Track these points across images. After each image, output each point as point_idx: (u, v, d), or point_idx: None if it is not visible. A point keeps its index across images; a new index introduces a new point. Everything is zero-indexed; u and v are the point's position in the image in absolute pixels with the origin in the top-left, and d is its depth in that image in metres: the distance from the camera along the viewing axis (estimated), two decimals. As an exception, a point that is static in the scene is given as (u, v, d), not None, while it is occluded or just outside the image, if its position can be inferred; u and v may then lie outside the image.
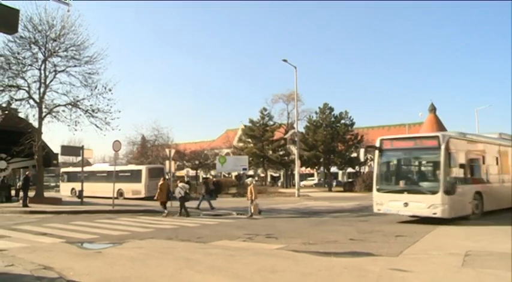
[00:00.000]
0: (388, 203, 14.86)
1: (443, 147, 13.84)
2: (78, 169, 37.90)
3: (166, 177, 24.75)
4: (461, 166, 14.72)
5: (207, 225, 15.54)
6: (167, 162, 25.93)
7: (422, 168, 16.01)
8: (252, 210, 18.28)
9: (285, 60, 32.65)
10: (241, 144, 61.70)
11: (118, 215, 19.21)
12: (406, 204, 14.26)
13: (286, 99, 52.12)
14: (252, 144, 58.27)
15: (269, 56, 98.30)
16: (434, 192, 13.79)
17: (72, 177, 38.37)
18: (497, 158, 17.54)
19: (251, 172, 58.79)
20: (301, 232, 12.45)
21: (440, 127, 46.18)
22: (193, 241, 11.26)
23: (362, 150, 17.33)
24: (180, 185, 19.51)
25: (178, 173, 49.64)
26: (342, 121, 51.04)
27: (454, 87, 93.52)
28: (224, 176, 61.19)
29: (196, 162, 57.03)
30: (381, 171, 15.91)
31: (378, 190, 15.46)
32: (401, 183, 15.18)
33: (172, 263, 8.37)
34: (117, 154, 25.97)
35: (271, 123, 57.97)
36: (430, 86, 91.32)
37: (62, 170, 40.35)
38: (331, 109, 52.51)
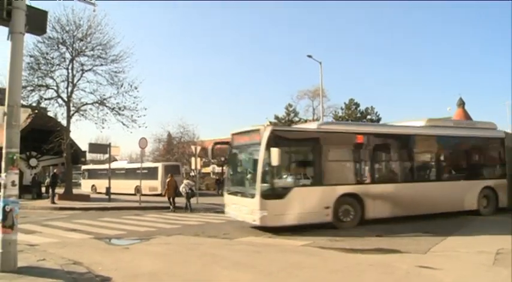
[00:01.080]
0: (231, 205, 13.24)
1: (263, 142, 11.57)
2: (98, 166, 38.53)
3: (192, 174, 25.03)
4: (304, 164, 12.84)
5: (232, 221, 15.57)
6: (193, 159, 26.11)
7: (253, 167, 12.56)
8: None
9: (309, 56, 32.31)
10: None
11: (145, 211, 19.46)
12: (239, 209, 12.55)
13: (312, 95, 51.54)
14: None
15: (294, 51, 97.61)
16: (253, 196, 11.66)
17: (92, 174, 39.18)
18: (407, 152, 14.61)
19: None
20: (328, 228, 12.36)
21: (469, 122, 45.15)
22: (220, 237, 11.32)
23: (209, 147, 14.87)
24: (185, 182, 20.16)
25: (204, 170, 49.86)
26: (368, 117, 50.48)
27: (484, 81, 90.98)
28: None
29: (222, 158, 57.19)
30: (229, 170, 14.44)
31: (227, 191, 13.89)
32: (239, 184, 13.42)
33: (199, 259, 8.44)
34: (144, 151, 26.29)
35: (297, 119, 57.55)
36: (459, 79, 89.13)
37: (83, 167, 41.14)
38: (357, 105, 51.92)
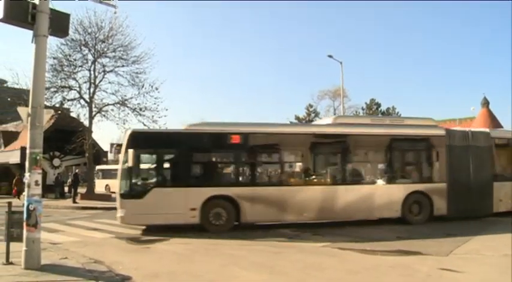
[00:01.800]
0: None
1: (124, 144, 11.93)
2: (111, 167, 38.97)
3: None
4: (169, 165, 12.91)
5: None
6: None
7: None
8: None
9: (330, 56, 32.11)
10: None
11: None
12: None
13: (332, 95, 51.21)
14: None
15: (314, 51, 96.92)
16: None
17: (106, 174, 39.54)
18: (297, 152, 13.74)
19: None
20: (349, 229, 12.27)
21: (494, 122, 44.10)
22: (239, 238, 11.32)
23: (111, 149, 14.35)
24: None
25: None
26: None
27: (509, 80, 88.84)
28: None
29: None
30: None
31: None
32: None
33: (218, 259, 8.48)
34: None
35: (318, 119, 57.28)
36: (483, 78, 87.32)
37: (97, 167, 41.64)
38: (378, 105, 51.59)
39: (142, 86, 25.41)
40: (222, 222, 12.16)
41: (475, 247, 9.59)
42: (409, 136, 14.16)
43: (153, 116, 25.39)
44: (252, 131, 13.12)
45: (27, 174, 7.14)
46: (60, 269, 7.13)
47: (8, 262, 7.29)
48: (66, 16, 8.02)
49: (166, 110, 25.67)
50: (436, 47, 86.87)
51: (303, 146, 13.36)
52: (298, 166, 13.87)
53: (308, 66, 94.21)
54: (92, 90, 25.10)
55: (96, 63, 25.22)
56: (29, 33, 7.38)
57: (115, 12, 15.27)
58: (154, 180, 12.45)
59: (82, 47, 24.90)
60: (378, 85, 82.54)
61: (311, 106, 56.18)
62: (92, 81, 25.11)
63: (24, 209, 7.05)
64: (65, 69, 24.63)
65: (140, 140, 12.19)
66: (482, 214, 14.12)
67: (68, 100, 25.35)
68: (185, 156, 12.44)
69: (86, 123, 25.56)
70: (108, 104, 25.57)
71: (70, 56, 24.71)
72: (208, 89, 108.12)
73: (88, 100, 24.99)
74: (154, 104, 25.42)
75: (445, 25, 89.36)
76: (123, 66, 25.57)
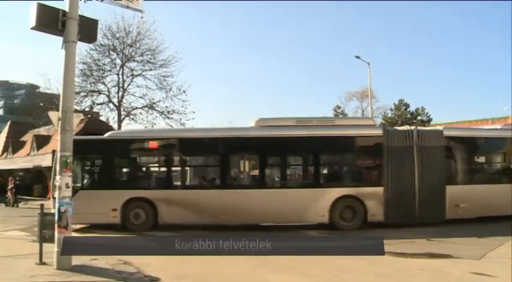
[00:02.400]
0: None
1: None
2: None
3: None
4: (94, 169, 13.90)
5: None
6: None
7: None
8: None
9: (357, 57, 31.72)
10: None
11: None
12: None
13: (360, 97, 50.50)
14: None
15: (341, 52, 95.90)
16: None
17: None
18: (214, 156, 13.79)
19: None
20: (377, 231, 12.08)
21: (528, 121, 42.76)
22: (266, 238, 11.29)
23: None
24: None
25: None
26: (419, 117, 49.17)
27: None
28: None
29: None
30: None
31: None
32: None
33: (245, 260, 8.43)
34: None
35: (345, 121, 56.52)
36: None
37: None
38: (407, 105, 50.76)
39: (170, 89, 25.82)
40: (141, 222, 12.73)
41: (509, 251, 9.28)
42: (339, 137, 13.31)
43: (181, 119, 25.75)
44: (168, 137, 14.10)
45: (58, 177, 7.32)
46: (90, 270, 7.30)
47: (41, 262, 7.52)
48: (95, 22, 8.21)
49: (194, 112, 26.03)
50: (468, 46, 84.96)
51: (220, 150, 13.43)
52: (214, 170, 13.98)
53: (335, 67, 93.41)
54: (120, 94, 25.63)
55: (125, 67, 25.77)
56: (59, 39, 7.57)
57: (142, 17, 15.45)
58: (80, 182, 13.22)
59: (110, 52, 25.48)
60: (407, 85, 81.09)
61: (339, 107, 55.51)
62: (121, 85, 25.64)
63: (56, 211, 7.23)
64: (94, 73, 25.25)
65: (83, 146, 12.70)
66: (429, 220, 12.71)
67: (97, 104, 26.01)
68: (107, 161, 13.54)
69: (115, 126, 26.02)
70: (136, 108, 26.08)
71: (99, 60, 25.36)
72: (233, 90, 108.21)
73: (117, 104, 25.49)
74: (182, 106, 25.79)
75: (476, 25, 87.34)
76: (150, 70, 26.09)
